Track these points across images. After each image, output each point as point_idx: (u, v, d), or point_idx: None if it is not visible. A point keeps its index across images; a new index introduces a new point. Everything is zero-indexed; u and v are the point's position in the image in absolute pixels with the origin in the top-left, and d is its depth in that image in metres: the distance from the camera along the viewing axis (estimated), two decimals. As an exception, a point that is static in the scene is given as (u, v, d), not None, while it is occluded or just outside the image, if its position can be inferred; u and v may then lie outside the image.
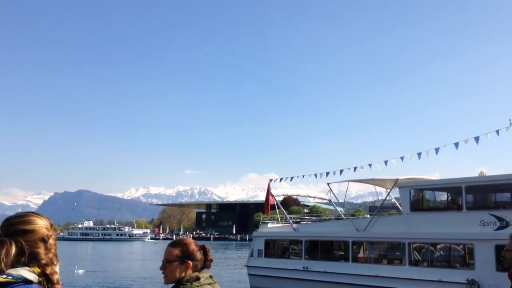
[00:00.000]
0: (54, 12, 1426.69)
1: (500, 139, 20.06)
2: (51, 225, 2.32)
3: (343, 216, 26.52)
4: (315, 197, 32.81)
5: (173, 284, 2.93)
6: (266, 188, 24.69)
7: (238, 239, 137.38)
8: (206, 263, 3.01)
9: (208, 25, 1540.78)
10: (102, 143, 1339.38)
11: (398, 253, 19.54)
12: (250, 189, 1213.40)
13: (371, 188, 24.19)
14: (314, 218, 31.83)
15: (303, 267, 21.61)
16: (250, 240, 45.37)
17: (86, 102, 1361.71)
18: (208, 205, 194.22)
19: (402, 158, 21.92)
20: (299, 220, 28.35)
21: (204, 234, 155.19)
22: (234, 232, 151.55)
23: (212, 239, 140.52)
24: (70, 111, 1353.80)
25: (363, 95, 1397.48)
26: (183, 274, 2.91)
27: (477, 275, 16.26)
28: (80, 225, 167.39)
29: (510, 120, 18.75)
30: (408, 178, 20.69)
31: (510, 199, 17.17)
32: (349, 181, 22.41)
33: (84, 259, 57.36)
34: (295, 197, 73.65)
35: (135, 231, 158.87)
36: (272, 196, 24.41)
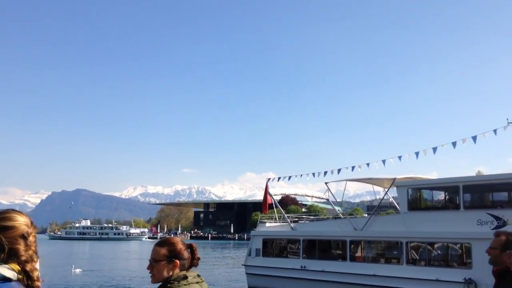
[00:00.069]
0: (52, 9, 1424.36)
1: (498, 138, 20.12)
2: (32, 223, 2.29)
3: (341, 215, 26.56)
4: (313, 196, 32.86)
5: (160, 284, 2.92)
6: (264, 187, 24.68)
7: (236, 238, 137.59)
8: (193, 261, 3.01)
9: (205, 24, 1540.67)
10: (100, 142, 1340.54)
11: (395, 252, 19.55)
12: (248, 188, 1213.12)
13: (369, 187, 24.18)
14: (312, 217, 31.84)
15: (301, 266, 21.60)
16: (248, 239, 45.42)
17: (84, 101, 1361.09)
18: (206, 204, 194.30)
19: (400, 157, 21.94)
20: (297, 219, 28.39)
21: (202, 233, 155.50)
22: (232, 231, 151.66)
23: (210, 238, 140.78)
24: (68, 110, 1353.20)
25: (361, 94, 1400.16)
26: (171, 273, 2.90)
27: (475, 274, 16.25)
28: (77, 224, 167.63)
29: (507, 119, 18.78)
30: (406, 178, 20.68)
31: (507, 199, 17.18)
32: (347, 180, 22.38)
33: (82, 258, 57.36)
34: (293, 196, 73.61)
35: (133, 230, 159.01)
36: (270, 195, 24.39)
